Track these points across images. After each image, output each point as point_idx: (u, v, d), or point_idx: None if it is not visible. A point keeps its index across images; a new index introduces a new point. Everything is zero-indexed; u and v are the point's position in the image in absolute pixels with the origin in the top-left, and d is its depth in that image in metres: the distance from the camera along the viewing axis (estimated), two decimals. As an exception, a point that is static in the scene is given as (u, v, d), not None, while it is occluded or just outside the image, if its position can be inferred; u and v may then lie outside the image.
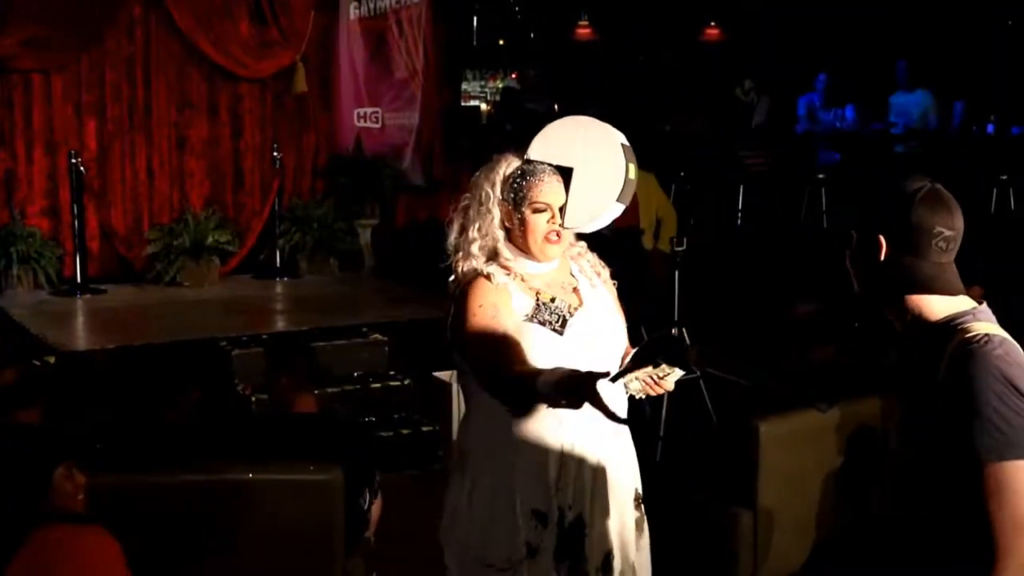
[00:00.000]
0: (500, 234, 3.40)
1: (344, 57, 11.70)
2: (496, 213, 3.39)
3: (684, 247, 7.49)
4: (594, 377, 2.97)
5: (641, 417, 6.62)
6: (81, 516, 3.52)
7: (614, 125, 3.50)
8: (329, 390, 7.57)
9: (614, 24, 14.40)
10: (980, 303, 2.62)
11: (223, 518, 4.44)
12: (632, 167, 3.44)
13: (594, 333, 3.39)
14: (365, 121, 11.66)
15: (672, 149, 12.34)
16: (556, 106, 13.40)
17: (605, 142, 3.47)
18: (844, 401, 5.18)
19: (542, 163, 3.41)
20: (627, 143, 3.48)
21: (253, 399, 7.07)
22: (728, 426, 6.74)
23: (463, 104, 13.90)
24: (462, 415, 3.64)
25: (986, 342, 2.48)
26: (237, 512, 4.45)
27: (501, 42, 15.56)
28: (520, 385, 3.20)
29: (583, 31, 14.47)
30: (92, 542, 3.43)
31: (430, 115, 11.37)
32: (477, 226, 3.40)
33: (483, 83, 15.88)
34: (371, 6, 11.45)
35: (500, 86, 15.55)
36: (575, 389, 3.01)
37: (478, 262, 3.38)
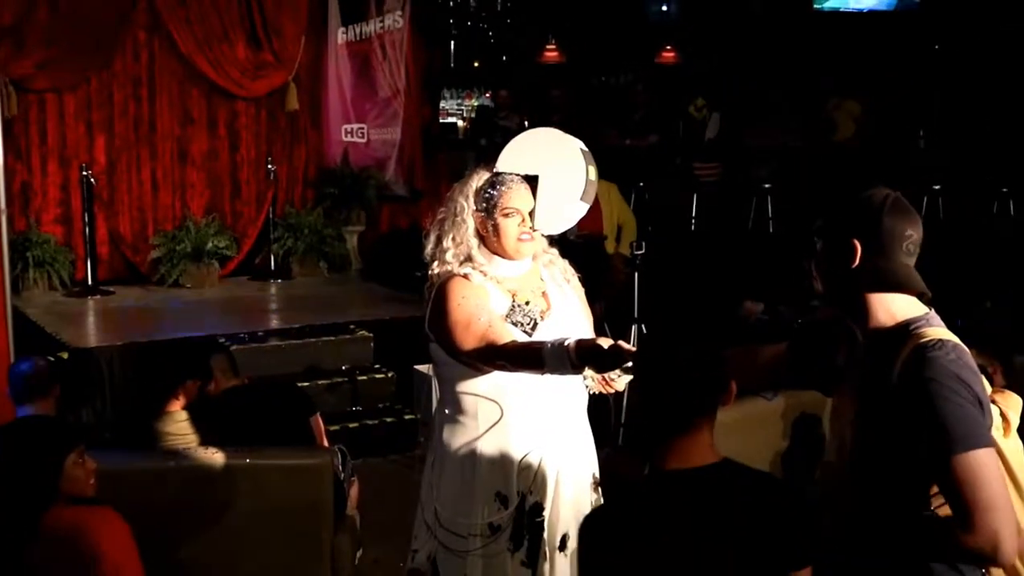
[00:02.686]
0: (474, 242, 3.40)
1: (332, 78, 11.67)
2: (470, 223, 3.40)
3: (643, 251, 7.51)
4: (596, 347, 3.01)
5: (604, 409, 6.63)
6: (92, 499, 3.50)
7: (580, 140, 3.51)
8: (319, 382, 7.57)
9: (579, 48, 14.41)
10: (929, 308, 2.62)
11: (221, 501, 4.43)
12: (592, 169, 3.45)
13: (561, 336, 3.37)
14: (352, 136, 11.63)
15: (632, 161, 12.35)
16: (526, 122, 13.39)
17: (565, 149, 3.47)
18: (788, 391, 5.21)
19: (510, 174, 3.40)
20: (586, 149, 3.49)
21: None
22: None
23: (441, 121, 13.85)
24: (437, 401, 3.63)
25: (940, 347, 2.47)
26: (234, 494, 4.44)
27: (476, 64, 15.53)
28: (520, 352, 3.21)
29: (551, 54, 14.46)
30: (104, 522, 3.41)
31: (411, 131, 11.35)
32: (452, 236, 3.40)
33: (460, 101, 15.83)
34: (357, 31, 11.43)
35: (475, 104, 15.52)
36: (591, 357, 3.03)
37: (453, 266, 3.38)
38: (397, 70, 11.10)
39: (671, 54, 14.81)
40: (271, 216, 10.96)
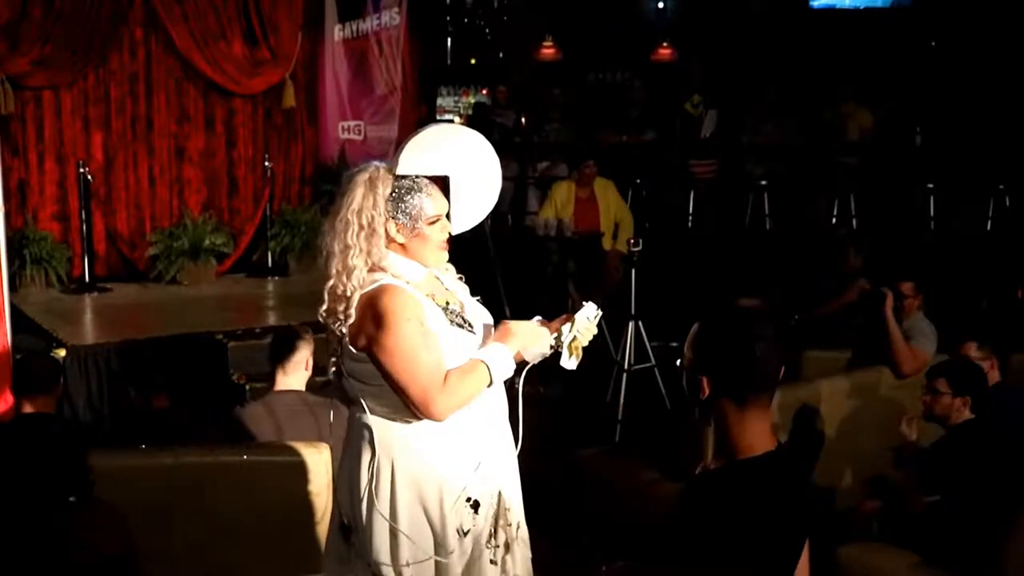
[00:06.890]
0: (385, 251, 3.20)
1: (329, 75, 11.67)
2: (382, 233, 3.18)
3: (640, 247, 7.52)
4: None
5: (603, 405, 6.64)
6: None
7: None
8: (317, 379, 7.55)
9: (576, 44, 14.42)
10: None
11: (218, 498, 4.43)
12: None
13: (481, 323, 3.31)
14: (348, 133, 11.63)
15: (628, 159, 12.37)
16: (523, 119, 13.41)
17: (476, 143, 3.33)
18: (786, 385, 5.21)
19: (419, 177, 3.20)
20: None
21: (247, 387, 7.06)
22: (680, 409, 6.77)
23: (438, 118, 13.86)
24: (359, 424, 3.31)
25: None
26: (232, 491, 4.45)
27: (473, 61, 15.53)
28: (464, 381, 3.10)
29: (547, 51, 14.47)
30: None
31: (408, 128, 11.32)
32: (359, 248, 3.17)
33: (456, 98, 15.83)
34: (353, 28, 11.42)
35: (472, 101, 15.53)
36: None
37: (377, 274, 3.19)
38: (394, 67, 11.10)
39: (668, 51, 14.83)
40: (268, 213, 10.97)
